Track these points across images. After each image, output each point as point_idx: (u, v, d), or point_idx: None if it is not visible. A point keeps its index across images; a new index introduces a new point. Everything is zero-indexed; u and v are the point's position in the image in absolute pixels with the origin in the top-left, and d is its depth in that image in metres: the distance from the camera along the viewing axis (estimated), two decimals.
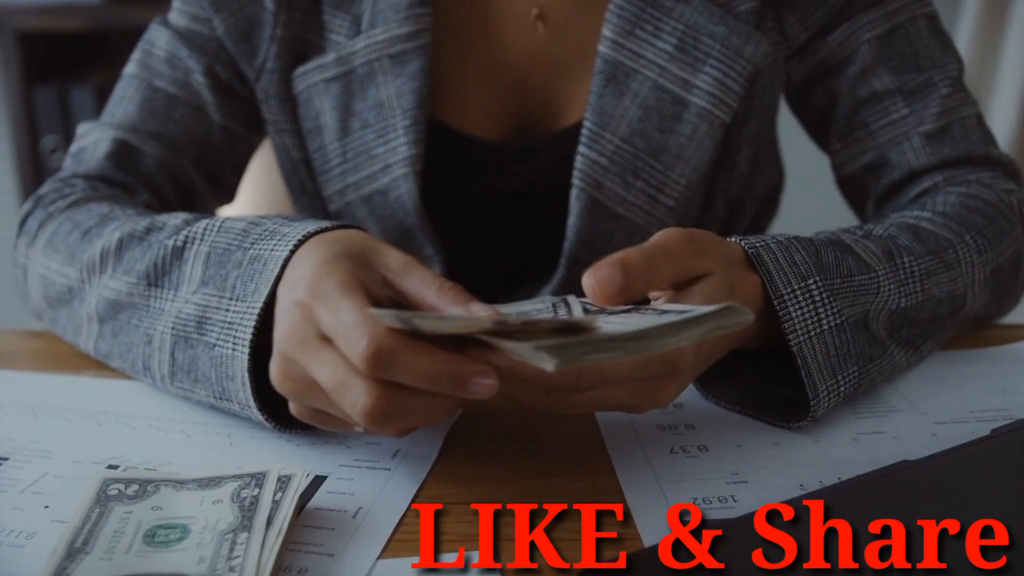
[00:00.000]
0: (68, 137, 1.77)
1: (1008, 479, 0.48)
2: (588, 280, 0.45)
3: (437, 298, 0.45)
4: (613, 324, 0.42)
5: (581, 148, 0.70)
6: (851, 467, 0.49)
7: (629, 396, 0.47)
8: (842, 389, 0.54)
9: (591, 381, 0.44)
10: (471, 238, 0.77)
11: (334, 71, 0.72)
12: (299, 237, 0.50)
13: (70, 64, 1.87)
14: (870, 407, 0.57)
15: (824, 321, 0.53)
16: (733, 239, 0.53)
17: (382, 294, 0.47)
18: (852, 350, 0.54)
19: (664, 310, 0.46)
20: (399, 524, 0.45)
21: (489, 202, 0.77)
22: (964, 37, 1.86)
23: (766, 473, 0.50)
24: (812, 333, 0.52)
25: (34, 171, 1.79)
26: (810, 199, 1.07)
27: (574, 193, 0.70)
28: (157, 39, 0.75)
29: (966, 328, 0.67)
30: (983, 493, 0.47)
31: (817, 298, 0.52)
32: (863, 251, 0.57)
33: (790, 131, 0.87)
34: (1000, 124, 1.87)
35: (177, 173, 0.74)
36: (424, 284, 0.46)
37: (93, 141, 0.74)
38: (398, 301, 0.47)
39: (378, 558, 0.43)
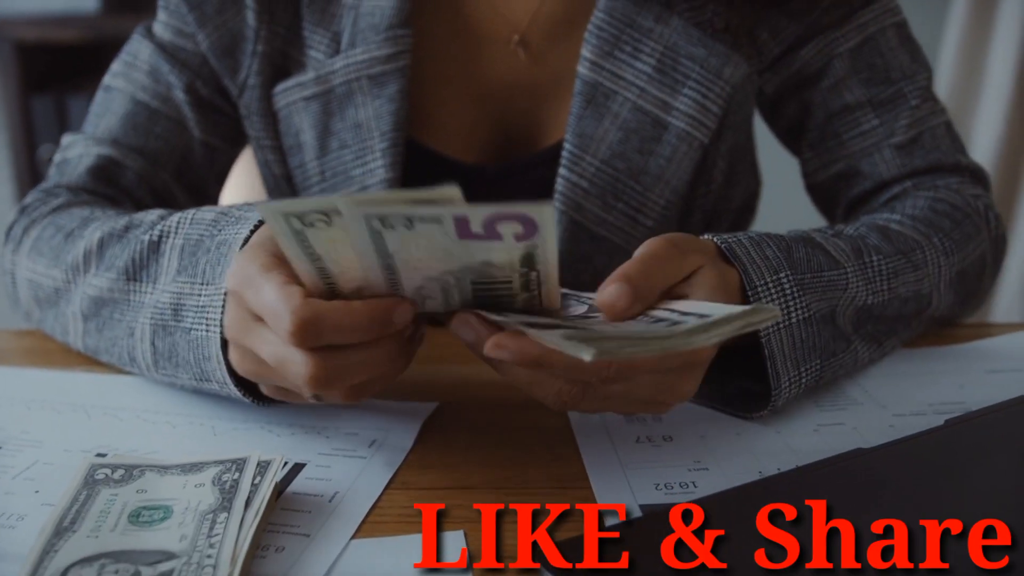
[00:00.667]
0: None
1: (958, 466, 0.50)
2: (599, 300, 0.46)
3: None
4: (637, 324, 0.44)
5: (562, 171, 0.71)
6: (810, 456, 0.51)
7: (653, 390, 0.48)
8: (803, 380, 0.56)
9: (620, 373, 0.45)
10: None
11: (313, 89, 0.74)
12: (258, 219, 0.53)
13: (67, 74, 1.90)
14: (832, 400, 0.60)
15: (793, 314, 0.55)
16: (705, 236, 0.55)
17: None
18: (817, 344, 0.56)
19: (683, 311, 0.47)
20: (373, 507, 0.48)
21: None
22: (952, 37, 1.88)
23: (727, 461, 0.52)
24: (781, 325, 0.54)
25: (31, 179, 1.82)
26: (787, 205, 1.09)
27: (555, 216, 0.72)
28: (140, 51, 0.77)
29: (931, 327, 0.69)
30: (933, 480, 0.49)
31: (788, 291, 0.55)
32: (833, 248, 0.59)
33: (768, 138, 0.89)
34: (986, 124, 1.89)
35: (158, 186, 0.76)
36: None
37: (77, 155, 0.75)
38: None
39: (351, 538, 0.45)
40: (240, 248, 0.52)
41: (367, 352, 0.45)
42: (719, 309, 0.44)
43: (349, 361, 0.45)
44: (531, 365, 0.44)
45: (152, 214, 0.62)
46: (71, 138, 0.77)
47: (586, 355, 0.38)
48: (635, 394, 0.48)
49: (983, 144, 1.91)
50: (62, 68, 1.89)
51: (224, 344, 0.52)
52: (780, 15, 0.72)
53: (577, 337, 0.39)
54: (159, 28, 0.77)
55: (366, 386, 0.47)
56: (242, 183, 1.08)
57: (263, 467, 0.47)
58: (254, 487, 0.46)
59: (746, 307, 0.44)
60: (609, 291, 0.46)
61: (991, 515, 0.44)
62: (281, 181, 0.78)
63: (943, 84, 1.92)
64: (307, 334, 0.43)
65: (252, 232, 0.53)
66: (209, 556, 0.41)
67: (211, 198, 0.81)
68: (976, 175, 0.75)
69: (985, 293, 0.73)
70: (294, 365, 0.45)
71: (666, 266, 0.49)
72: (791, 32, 0.73)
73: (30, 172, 1.82)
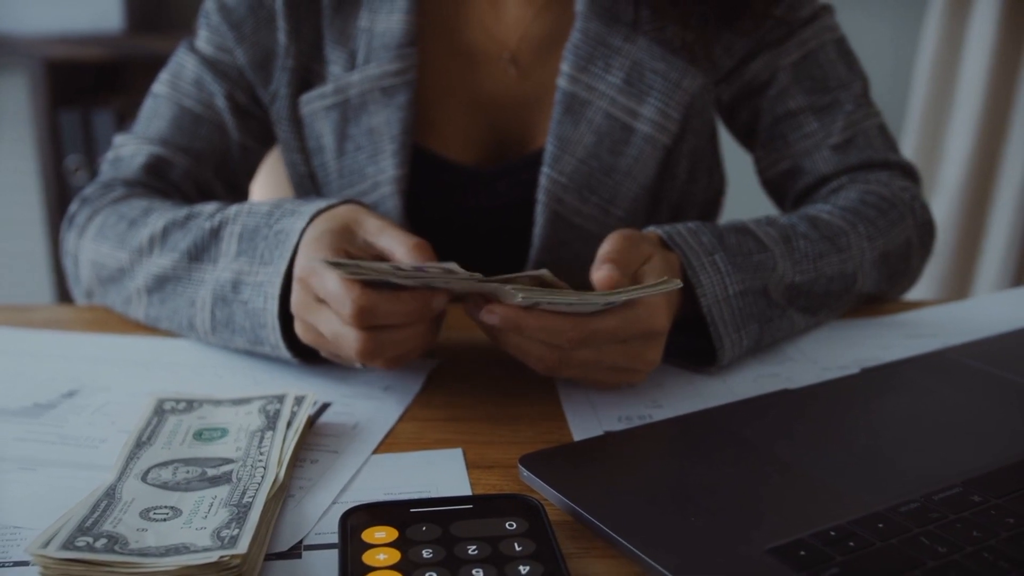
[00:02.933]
0: (90, 157, 1.91)
1: (867, 405, 0.61)
2: (594, 279, 0.58)
3: (404, 254, 0.59)
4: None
5: (544, 168, 0.82)
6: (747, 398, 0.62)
7: (622, 358, 0.59)
8: (744, 342, 0.67)
9: (585, 340, 0.57)
10: (450, 247, 0.90)
11: (332, 99, 0.85)
12: (312, 213, 0.65)
13: (92, 90, 2.01)
14: (771, 358, 0.71)
15: (729, 288, 0.66)
16: (650, 229, 0.67)
17: (365, 255, 0.61)
18: (753, 312, 0.67)
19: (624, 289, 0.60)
20: (388, 433, 0.59)
21: (466, 217, 0.89)
22: (928, 43, 1.99)
23: (679, 401, 0.63)
24: (719, 297, 0.66)
25: (58, 188, 1.93)
26: (751, 202, 1.21)
27: (539, 208, 0.83)
28: (186, 62, 0.88)
29: (863, 302, 0.80)
30: (845, 415, 0.60)
31: (722, 269, 0.66)
32: (763, 235, 0.70)
33: (733, 142, 1.00)
34: (960, 125, 2.00)
35: (201, 181, 0.87)
36: (395, 242, 0.60)
37: (130, 153, 0.86)
38: (379, 256, 0.61)
39: (371, 454, 0.56)
40: (298, 238, 0.63)
41: (408, 330, 0.58)
42: (641, 287, 0.57)
43: (394, 337, 0.58)
44: (513, 327, 0.57)
45: (209, 206, 0.73)
46: (123, 137, 0.88)
47: (517, 299, 0.53)
48: (606, 361, 0.59)
49: (958, 143, 2.02)
50: (88, 84, 2.00)
51: (281, 315, 0.64)
52: (731, 33, 0.84)
53: (518, 289, 0.54)
54: (202, 43, 0.88)
55: (404, 356, 0.59)
56: (267, 179, 1.19)
57: (299, 400, 0.59)
58: (293, 413, 0.57)
59: (657, 282, 0.57)
60: (604, 271, 0.58)
61: (888, 440, 0.55)
62: (305, 179, 0.89)
63: (920, 86, 2.02)
64: (364, 317, 0.56)
65: (308, 224, 0.64)
66: (260, 460, 0.52)
67: (244, 191, 0.93)
68: (905, 170, 0.86)
69: (914, 272, 0.84)
70: (349, 340, 0.57)
71: (633, 253, 0.61)
72: (741, 48, 0.85)
73: (56, 181, 1.93)
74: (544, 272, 0.59)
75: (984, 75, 1.96)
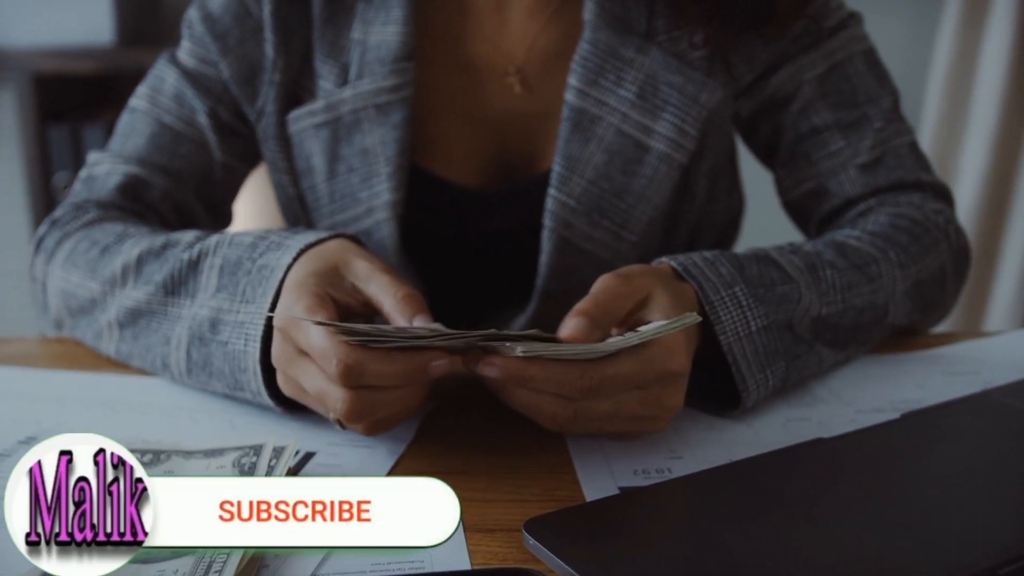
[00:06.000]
0: None
1: (911, 455, 0.55)
2: (562, 333, 0.52)
3: (392, 307, 0.54)
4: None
5: (551, 191, 0.76)
6: (777, 447, 0.56)
7: (640, 406, 0.53)
8: (771, 382, 0.61)
9: (598, 389, 0.51)
10: (451, 275, 0.84)
11: (323, 117, 0.79)
12: (300, 248, 0.59)
13: (83, 105, 1.97)
14: (799, 398, 0.65)
15: (752, 323, 0.60)
16: (662, 260, 0.61)
17: (353, 300, 0.56)
18: (779, 348, 0.61)
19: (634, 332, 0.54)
20: None
21: (469, 243, 0.83)
22: (944, 45, 1.94)
23: (701, 451, 0.57)
24: (741, 334, 0.60)
25: (46, 206, 1.87)
26: (773, 223, 1.15)
27: (545, 234, 0.76)
28: (166, 76, 0.82)
29: (894, 334, 0.74)
30: (886, 467, 0.54)
31: (743, 303, 0.60)
32: (787, 264, 0.64)
33: (755, 160, 0.94)
34: (978, 130, 1.94)
35: (180, 202, 0.81)
36: (383, 292, 0.54)
37: (104, 172, 0.80)
38: (367, 303, 0.56)
39: None
40: (284, 274, 0.58)
41: (398, 392, 0.52)
42: (654, 325, 0.52)
43: (382, 399, 0.51)
44: (515, 380, 0.51)
45: (188, 235, 0.67)
46: (98, 155, 0.82)
47: (516, 352, 0.49)
48: (624, 411, 0.53)
49: (972, 158, 1.97)
50: (78, 99, 1.95)
51: (262, 359, 0.58)
52: (753, 41, 0.77)
53: (517, 344, 0.48)
54: (183, 55, 0.82)
55: (390, 419, 0.53)
56: (253, 200, 1.14)
57: (278, 451, 0.52)
58: (270, 468, 0.51)
59: (672, 319, 0.52)
60: (570, 325, 0.52)
61: (937, 499, 0.49)
62: (294, 202, 0.83)
63: (933, 98, 1.97)
64: (350, 376, 0.49)
65: (295, 258, 0.58)
66: None
67: (227, 213, 0.87)
68: (938, 191, 0.80)
69: (949, 301, 0.78)
70: (332, 400, 0.51)
71: (616, 295, 0.54)
72: (763, 60, 0.78)
73: (45, 199, 1.88)
74: (535, 332, 0.53)
75: (1000, 88, 1.90)
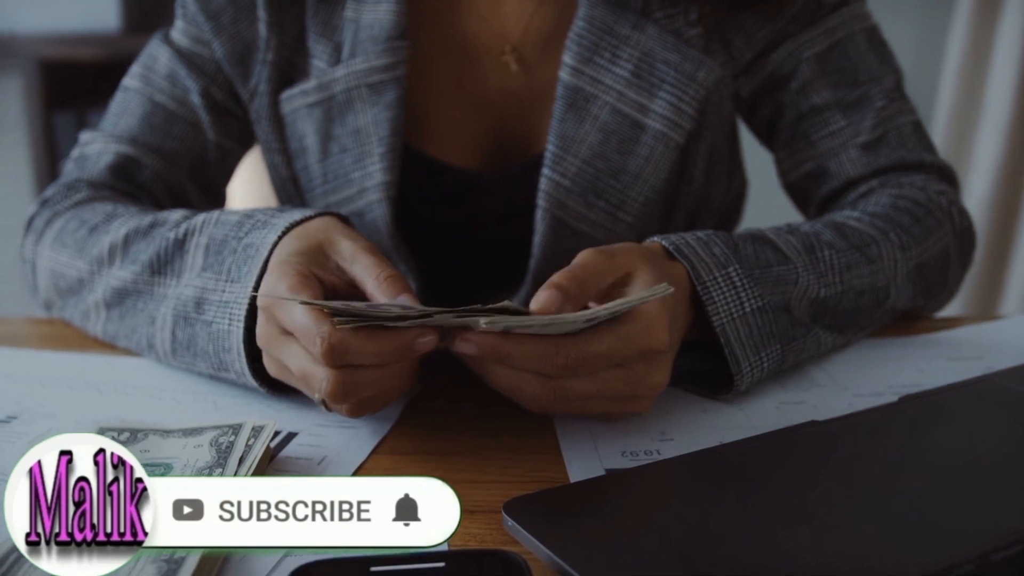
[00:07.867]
0: None
1: (908, 439, 0.54)
2: (533, 306, 0.50)
3: (374, 287, 0.52)
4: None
5: (545, 171, 0.74)
6: (769, 430, 0.54)
7: (622, 384, 0.52)
8: (765, 365, 0.59)
9: (576, 365, 0.50)
10: (445, 257, 0.83)
11: (315, 96, 0.77)
12: (285, 226, 0.58)
13: (88, 91, 1.96)
14: (795, 382, 0.63)
15: (746, 304, 0.58)
16: (653, 239, 0.59)
17: (337, 279, 0.55)
18: (775, 330, 0.60)
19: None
20: (359, 468, 0.52)
21: (464, 225, 0.82)
22: (956, 39, 1.91)
23: (691, 434, 0.56)
24: (735, 315, 0.58)
25: None
26: (775, 206, 1.13)
27: (539, 214, 0.75)
28: (159, 55, 0.81)
29: (895, 318, 0.72)
30: (882, 450, 0.52)
31: (738, 283, 0.58)
32: (784, 245, 0.63)
33: (756, 143, 0.93)
34: (992, 118, 1.91)
35: (173, 183, 0.80)
36: (365, 273, 0.53)
37: (96, 151, 0.79)
38: (351, 283, 0.55)
39: None
40: (268, 252, 0.57)
41: (384, 371, 0.50)
42: (623, 300, 0.50)
43: (366, 378, 0.50)
44: (492, 356, 0.49)
45: (176, 213, 0.66)
46: (90, 135, 0.81)
47: (481, 325, 0.47)
48: (607, 391, 0.52)
49: (986, 150, 1.94)
50: (83, 85, 1.95)
51: (246, 339, 0.57)
52: (751, 19, 0.76)
53: (482, 317, 0.47)
54: (177, 35, 0.81)
55: (375, 400, 0.52)
56: (248, 181, 1.13)
57: (257, 431, 0.51)
58: (247, 447, 0.50)
59: (645, 291, 0.50)
60: (541, 298, 0.50)
61: (933, 483, 0.48)
62: (287, 183, 0.82)
63: (946, 92, 1.94)
64: (335, 356, 0.48)
65: (280, 236, 0.57)
66: None
67: (221, 195, 0.86)
68: (942, 172, 0.78)
69: (952, 285, 0.76)
70: (316, 379, 0.50)
71: (594, 271, 0.53)
72: (762, 37, 0.76)
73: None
74: (507, 303, 0.52)
75: (1013, 81, 1.88)
